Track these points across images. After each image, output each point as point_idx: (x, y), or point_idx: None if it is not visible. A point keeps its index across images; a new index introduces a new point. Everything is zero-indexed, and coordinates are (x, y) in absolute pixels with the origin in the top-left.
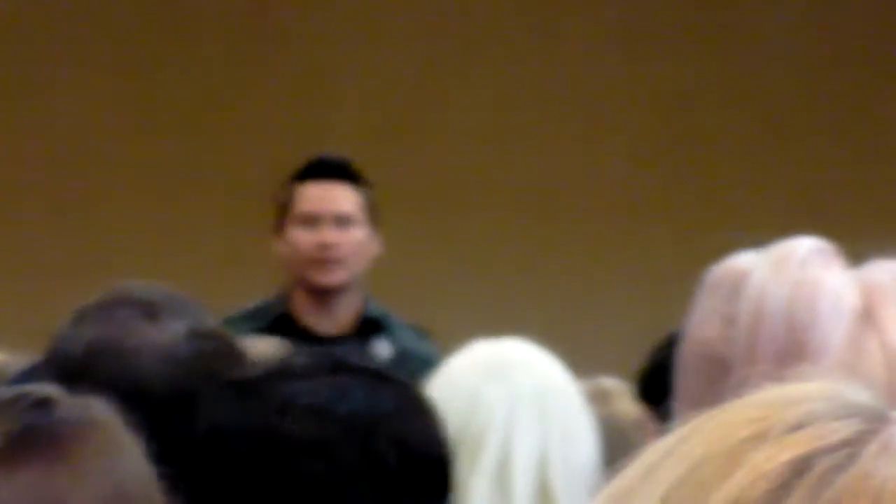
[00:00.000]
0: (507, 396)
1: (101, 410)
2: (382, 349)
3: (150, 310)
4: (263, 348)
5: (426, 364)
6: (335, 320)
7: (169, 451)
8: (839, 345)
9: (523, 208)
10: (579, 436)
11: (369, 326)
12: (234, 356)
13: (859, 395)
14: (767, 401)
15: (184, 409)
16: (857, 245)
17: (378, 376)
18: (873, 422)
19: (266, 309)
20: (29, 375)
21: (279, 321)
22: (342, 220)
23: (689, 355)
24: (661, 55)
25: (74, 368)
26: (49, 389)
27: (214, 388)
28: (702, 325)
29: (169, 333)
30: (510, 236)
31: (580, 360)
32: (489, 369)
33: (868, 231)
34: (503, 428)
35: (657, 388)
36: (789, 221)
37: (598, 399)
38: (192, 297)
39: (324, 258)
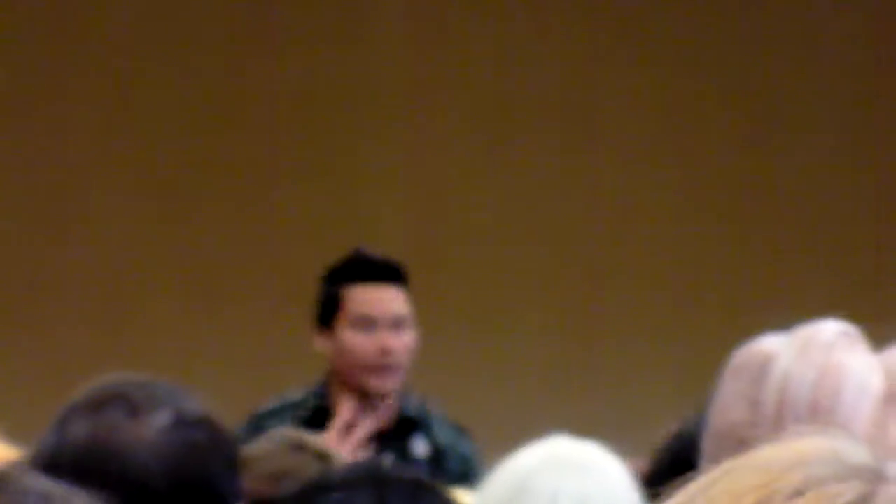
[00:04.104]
0: (553, 491)
1: None
2: (420, 448)
3: (132, 405)
4: (320, 442)
5: (463, 462)
6: (375, 419)
7: None
8: (864, 428)
9: (564, 307)
10: None
11: (407, 424)
12: (224, 441)
13: (856, 453)
14: (767, 464)
15: (184, 499)
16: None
17: (416, 486)
18: (872, 482)
19: (305, 402)
20: None
21: (318, 414)
22: (398, 323)
23: (714, 439)
24: (704, 149)
25: (64, 475)
26: (46, 485)
27: None
28: (727, 408)
29: (155, 427)
30: (548, 338)
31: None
32: (545, 462)
33: None
34: None
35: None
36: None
37: None
38: (208, 394)
39: (383, 364)
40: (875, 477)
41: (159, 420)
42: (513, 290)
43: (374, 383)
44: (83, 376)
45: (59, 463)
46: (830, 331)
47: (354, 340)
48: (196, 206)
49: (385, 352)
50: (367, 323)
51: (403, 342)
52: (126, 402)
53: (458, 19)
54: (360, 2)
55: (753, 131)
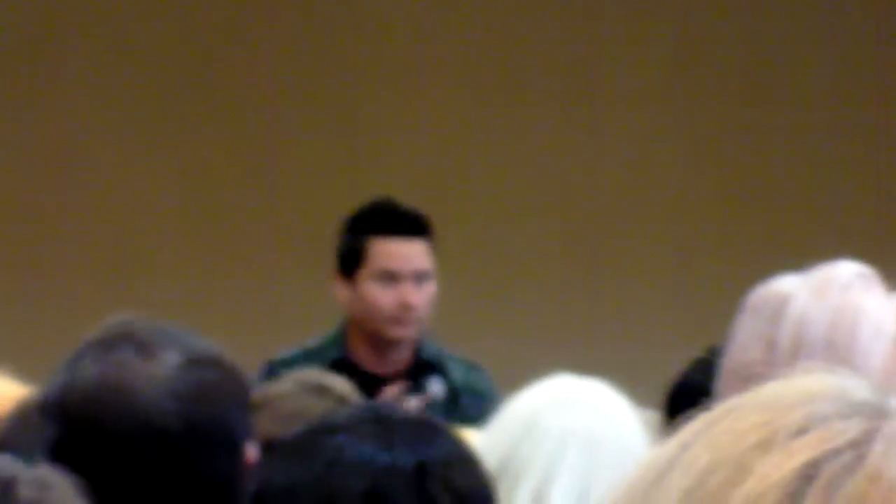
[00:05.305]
0: (561, 429)
1: (59, 484)
2: (436, 388)
3: (142, 344)
4: (340, 384)
5: (479, 398)
6: (392, 363)
7: (188, 487)
8: (879, 368)
9: (568, 258)
10: None
11: (423, 366)
12: (235, 381)
13: (860, 389)
14: (770, 403)
15: (196, 439)
16: None
17: (422, 425)
18: (876, 419)
19: (323, 350)
20: (23, 422)
21: (336, 364)
22: (420, 277)
23: (729, 377)
24: (710, 105)
25: (75, 415)
26: (9, 467)
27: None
28: (743, 347)
29: (166, 366)
30: (551, 288)
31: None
32: (554, 401)
33: None
34: (548, 459)
35: (684, 406)
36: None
37: None
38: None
39: (403, 317)
40: (878, 413)
41: (170, 359)
42: (516, 243)
43: (392, 331)
44: (88, 321)
45: (69, 403)
46: (847, 272)
47: (376, 293)
48: (202, 151)
49: (405, 306)
50: (390, 277)
51: (424, 296)
52: (136, 341)
53: None
54: None
55: (754, 80)
